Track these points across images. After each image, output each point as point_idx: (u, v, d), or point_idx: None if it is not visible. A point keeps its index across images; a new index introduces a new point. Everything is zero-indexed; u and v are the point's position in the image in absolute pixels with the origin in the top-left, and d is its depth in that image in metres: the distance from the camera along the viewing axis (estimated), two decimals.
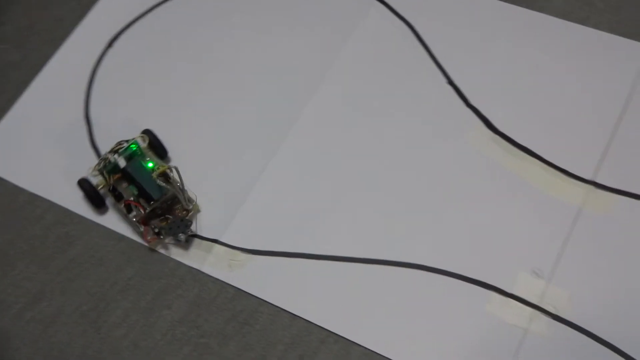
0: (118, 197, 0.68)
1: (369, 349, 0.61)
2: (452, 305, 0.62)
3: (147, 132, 0.70)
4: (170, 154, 0.71)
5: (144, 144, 0.69)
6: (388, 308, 0.63)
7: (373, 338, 0.62)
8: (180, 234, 0.66)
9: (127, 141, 0.69)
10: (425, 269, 0.64)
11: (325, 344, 0.62)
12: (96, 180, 0.69)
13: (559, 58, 0.72)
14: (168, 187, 0.66)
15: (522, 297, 0.62)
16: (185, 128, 0.73)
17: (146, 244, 0.67)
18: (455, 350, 0.60)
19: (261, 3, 0.80)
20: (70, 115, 0.75)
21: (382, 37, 0.75)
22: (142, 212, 0.66)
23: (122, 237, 0.69)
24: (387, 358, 0.61)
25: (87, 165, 0.71)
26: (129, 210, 0.67)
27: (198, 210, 0.68)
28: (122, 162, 0.68)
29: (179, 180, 0.67)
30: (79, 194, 0.70)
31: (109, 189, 0.68)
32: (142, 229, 0.67)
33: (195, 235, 0.68)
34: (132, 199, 0.67)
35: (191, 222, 0.67)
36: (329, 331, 0.63)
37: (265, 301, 0.64)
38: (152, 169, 0.67)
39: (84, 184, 0.69)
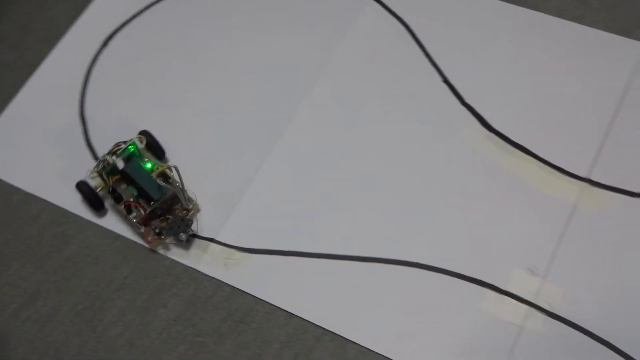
0: (117, 199, 0.68)
1: (364, 347, 0.61)
2: (448, 303, 0.62)
3: (144, 133, 0.70)
4: (166, 153, 0.71)
5: (141, 145, 0.69)
6: (384, 306, 0.63)
7: (369, 336, 0.62)
8: (181, 234, 0.66)
9: (124, 142, 0.68)
10: (421, 266, 0.64)
11: (321, 342, 0.62)
12: (94, 182, 0.69)
13: (554, 56, 0.72)
14: (168, 186, 0.66)
15: (517, 295, 0.62)
16: (180, 127, 0.73)
17: (147, 245, 0.67)
18: (451, 347, 0.60)
19: (256, 2, 0.80)
20: (66, 115, 0.75)
21: (376, 36, 0.76)
22: (143, 212, 0.66)
23: (117, 236, 0.69)
24: (383, 356, 0.61)
25: (82, 165, 0.71)
26: (129, 211, 0.67)
27: (198, 210, 0.68)
28: (120, 164, 0.68)
29: (178, 179, 0.67)
30: (74, 193, 0.70)
31: (109, 191, 0.68)
32: (142, 229, 0.67)
33: (194, 235, 0.68)
34: (131, 199, 0.67)
35: (192, 222, 0.67)
36: (325, 329, 0.63)
37: (261, 300, 0.64)
38: (151, 170, 0.67)
39: (82, 186, 0.69)
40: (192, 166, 0.69)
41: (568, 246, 0.63)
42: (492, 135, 0.69)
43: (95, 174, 0.68)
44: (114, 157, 0.68)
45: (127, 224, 0.69)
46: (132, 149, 0.68)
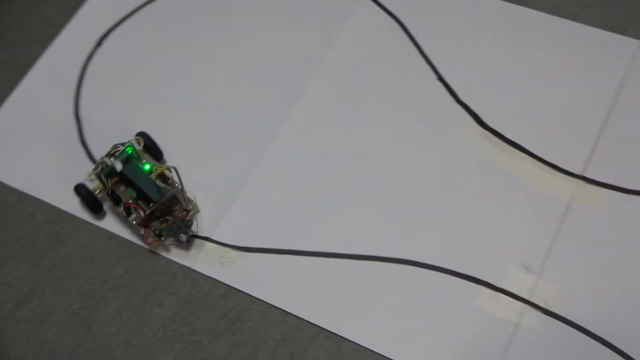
0: (117, 201, 0.68)
1: (360, 345, 0.61)
2: (443, 300, 0.62)
3: (141, 135, 0.69)
4: (164, 155, 0.71)
5: (139, 147, 0.69)
6: (379, 304, 0.63)
7: (364, 334, 0.62)
8: (182, 235, 0.65)
9: (122, 144, 0.68)
10: (416, 264, 0.64)
11: (316, 340, 0.62)
12: (92, 185, 0.69)
13: (548, 54, 0.72)
14: (167, 187, 0.66)
15: (512, 292, 0.62)
16: (174, 126, 0.73)
17: (147, 247, 0.67)
18: (446, 344, 0.60)
19: (251, 2, 0.79)
20: (60, 114, 0.75)
21: (371, 34, 0.76)
22: (142, 214, 0.66)
23: (112, 236, 0.69)
24: (378, 354, 0.61)
25: (77, 164, 0.71)
26: (128, 213, 0.67)
27: (197, 211, 0.68)
28: (118, 166, 0.67)
29: (178, 180, 0.66)
30: (69, 193, 0.70)
31: (108, 193, 0.68)
32: (142, 231, 0.66)
33: (193, 235, 0.67)
34: (130, 201, 0.67)
35: (192, 223, 0.66)
36: (321, 327, 0.63)
37: (257, 298, 0.64)
38: (150, 171, 0.66)
39: (80, 189, 0.68)
40: (187, 165, 0.69)
41: (563, 243, 0.63)
42: (487, 133, 0.69)
43: (93, 177, 0.68)
44: (112, 159, 0.68)
45: (126, 226, 0.68)
46: (130, 151, 0.68)
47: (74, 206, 0.70)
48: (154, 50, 0.78)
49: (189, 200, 0.67)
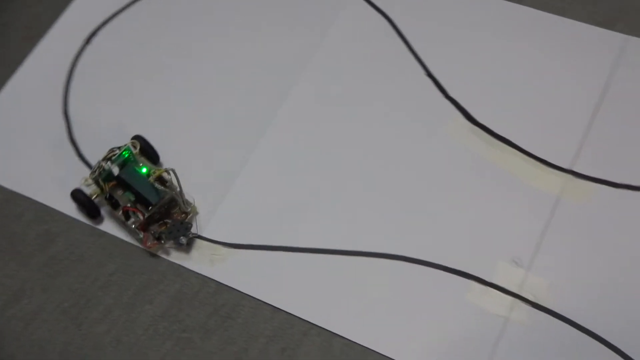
0: (115, 205, 0.67)
1: (350, 340, 0.62)
2: (433, 295, 0.62)
3: (137, 138, 0.69)
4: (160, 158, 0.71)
5: (135, 150, 0.68)
6: (369, 299, 0.63)
7: (355, 329, 0.62)
8: (181, 237, 0.65)
9: (119, 148, 0.68)
10: (405, 259, 0.64)
11: (307, 336, 0.62)
12: (89, 190, 0.68)
13: (536, 49, 0.72)
14: (166, 190, 0.66)
15: (502, 286, 0.62)
16: (163, 125, 0.73)
17: (148, 249, 0.67)
18: (436, 339, 0.61)
19: (238, 1, 0.79)
20: (49, 113, 0.75)
21: (359, 31, 0.76)
22: (141, 217, 0.66)
23: (102, 233, 0.68)
24: (369, 349, 0.61)
25: (66, 163, 0.71)
26: (127, 217, 0.67)
27: (196, 213, 0.68)
28: (115, 170, 0.67)
29: (176, 183, 0.66)
30: (58, 191, 0.70)
31: (106, 197, 0.67)
32: (141, 235, 0.66)
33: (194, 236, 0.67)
34: (129, 205, 0.67)
35: (191, 225, 0.66)
36: (311, 323, 0.63)
37: (247, 295, 0.64)
38: (147, 174, 0.66)
39: (77, 194, 0.68)
40: (179, 165, 0.69)
41: (552, 237, 0.63)
42: (476, 128, 0.69)
43: (90, 181, 0.68)
44: (108, 163, 0.67)
45: (125, 230, 0.68)
46: (127, 155, 0.67)
47: (63, 204, 0.70)
48: (142, 48, 0.78)
49: (187, 203, 0.67)
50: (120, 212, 0.67)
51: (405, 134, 0.70)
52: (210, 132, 0.72)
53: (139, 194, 0.66)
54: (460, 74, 0.72)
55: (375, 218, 0.66)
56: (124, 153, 0.67)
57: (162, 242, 0.66)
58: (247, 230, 0.67)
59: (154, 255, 0.67)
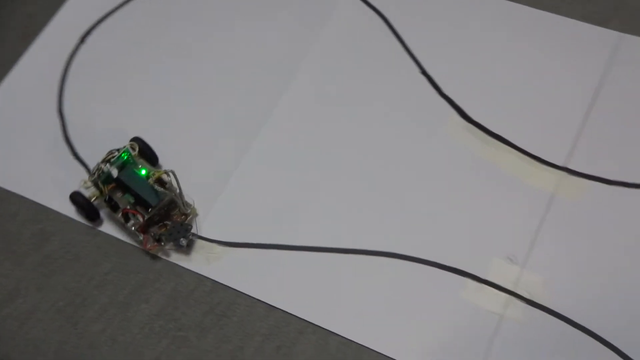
0: (114, 208, 0.67)
1: (347, 338, 0.62)
2: (428, 292, 0.62)
3: (136, 140, 0.69)
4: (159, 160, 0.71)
5: (134, 152, 0.68)
6: (364, 297, 0.63)
7: (351, 327, 0.62)
8: (182, 239, 0.65)
9: (117, 150, 0.68)
10: (400, 257, 0.64)
11: (303, 334, 0.62)
12: (88, 192, 0.68)
13: (530, 46, 0.72)
14: (165, 192, 0.66)
15: (497, 284, 0.62)
16: (159, 124, 0.73)
17: (149, 251, 0.67)
18: (432, 336, 0.61)
19: None
20: (43, 112, 0.75)
21: (353, 28, 0.76)
22: (141, 220, 0.65)
23: (98, 232, 0.68)
24: (364, 347, 0.61)
25: (61, 162, 0.71)
26: (127, 219, 0.66)
27: (196, 214, 0.68)
28: (114, 172, 0.67)
29: (176, 184, 0.66)
30: (53, 190, 0.69)
31: (105, 200, 0.67)
32: (141, 237, 0.66)
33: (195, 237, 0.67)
34: (128, 207, 0.66)
35: (191, 226, 0.66)
36: (307, 321, 0.63)
37: (243, 293, 0.64)
38: (147, 176, 0.66)
39: (77, 197, 0.68)
40: (175, 163, 0.69)
41: (547, 234, 0.64)
42: (471, 126, 0.69)
43: (89, 184, 0.67)
44: (107, 165, 0.67)
45: (125, 233, 0.68)
46: (126, 157, 0.67)
47: (58, 203, 0.70)
48: (136, 47, 0.78)
49: (187, 204, 0.67)
50: (120, 215, 0.67)
51: (399, 131, 0.70)
52: (204, 131, 0.72)
53: (138, 196, 0.66)
54: (454, 72, 0.72)
55: (369, 216, 0.66)
56: (122, 155, 0.67)
57: (162, 244, 0.66)
58: (243, 229, 0.67)
59: (149, 254, 0.67)
